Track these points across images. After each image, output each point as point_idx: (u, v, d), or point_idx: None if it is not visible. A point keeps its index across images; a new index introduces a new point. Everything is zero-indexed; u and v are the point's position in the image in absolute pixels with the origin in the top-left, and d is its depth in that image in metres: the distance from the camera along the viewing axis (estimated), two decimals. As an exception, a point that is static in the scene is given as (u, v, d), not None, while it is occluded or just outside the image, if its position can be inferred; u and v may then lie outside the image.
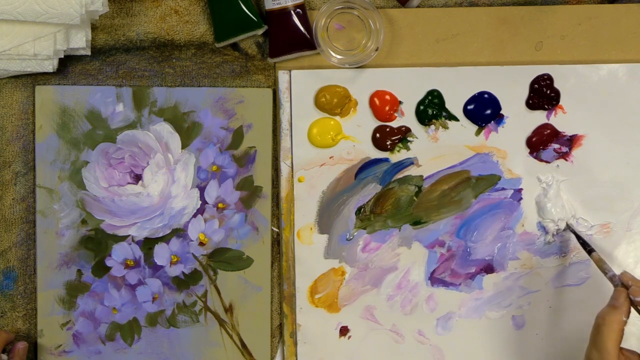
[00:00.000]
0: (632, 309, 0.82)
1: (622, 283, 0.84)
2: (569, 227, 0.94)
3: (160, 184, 0.93)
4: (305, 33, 0.92)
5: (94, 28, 0.93)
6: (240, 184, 0.94)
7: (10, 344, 0.90)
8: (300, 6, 0.92)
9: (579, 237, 0.92)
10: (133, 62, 0.94)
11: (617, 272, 0.86)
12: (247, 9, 0.92)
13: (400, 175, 0.95)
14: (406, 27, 0.94)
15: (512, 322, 0.95)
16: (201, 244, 0.94)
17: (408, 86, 0.94)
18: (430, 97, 0.94)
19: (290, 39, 0.92)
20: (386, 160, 0.95)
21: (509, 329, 0.95)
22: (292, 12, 0.92)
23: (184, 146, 0.94)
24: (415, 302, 0.95)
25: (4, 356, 0.88)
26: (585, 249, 0.91)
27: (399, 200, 0.94)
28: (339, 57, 0.92)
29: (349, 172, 0.95)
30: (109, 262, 0.93)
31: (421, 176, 0.95)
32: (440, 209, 0.94)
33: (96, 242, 0.93)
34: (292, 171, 0.94)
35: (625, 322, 0.80)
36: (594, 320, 0.81)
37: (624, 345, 0.80)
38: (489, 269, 0.95)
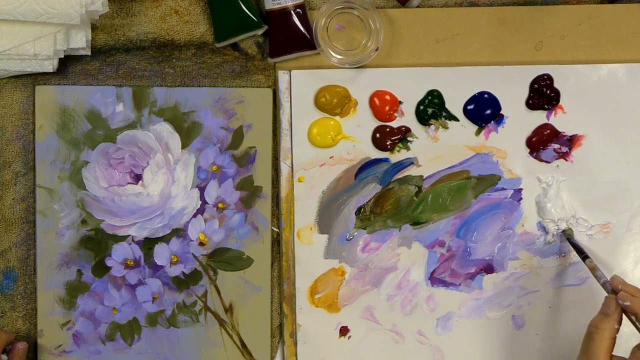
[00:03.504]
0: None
1: (612, 290, 0.83)
2: (564, 235, 0.94)
3: (160, 184, 0.93)
4: (305, 33, 0.92)
5: (94, 28, 0.93)
6: (240, 184, 0.94)
7: (10, 344, 0.89)
8: (300, 6, 0.92)
9: (574, 245, 0.92)
10: (133, 62, 0.94)
11: (610, 275, 0.85)
12: (247, 9, 0.92)
13: (400, 175, 0.95)
14: (406, 27, 0.94)
15: (512, 322, 0.95)
16: (201, 244, 0.94)
17: (408, 86, 0.94)
18: (430, 97, 0.94)
19: (290, 39, 0.92)
20: (386, 160, 0.95)
21: (509, 329, 0.95)
22: (292, 12, 0.92)
23: (184, 146, 0.94)
24: (415, 302, 0.95)
25: (4, 356, 0.88)
26: (580, 255, 0.91)
27: (399, 200, 0.94)
28: (339, 57, 0.92)
29: (349, 172, 0.94)
30: (109, 262, 0.93)
31: (421, 176, 0.95)
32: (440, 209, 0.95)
33: (96, 242, 0.93)
34: (292, 171, 0.94)
35: (617, 330, 0.79)
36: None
37: (619, 350, 0.80)
38: (489, 269, 0.95)
